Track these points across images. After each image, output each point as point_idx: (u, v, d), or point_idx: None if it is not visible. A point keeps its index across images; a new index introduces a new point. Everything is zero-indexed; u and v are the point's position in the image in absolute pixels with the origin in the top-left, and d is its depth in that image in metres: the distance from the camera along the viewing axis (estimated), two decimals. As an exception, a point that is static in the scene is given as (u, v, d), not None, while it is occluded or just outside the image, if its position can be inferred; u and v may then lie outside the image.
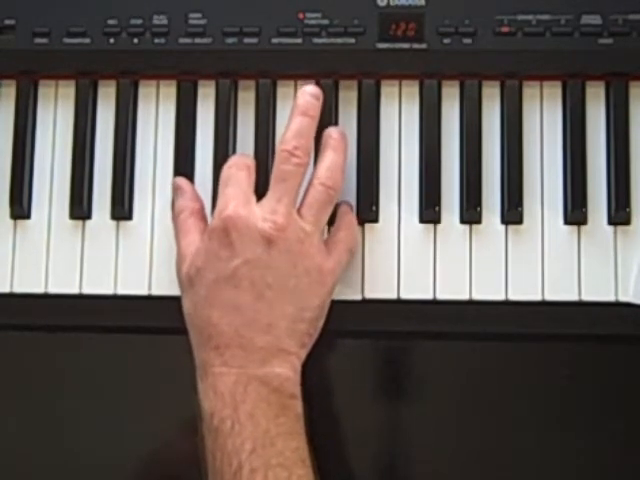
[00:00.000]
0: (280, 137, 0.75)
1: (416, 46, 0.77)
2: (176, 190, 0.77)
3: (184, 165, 0.78)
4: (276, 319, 0.70)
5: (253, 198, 0.73)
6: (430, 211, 0.77)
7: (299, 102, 0.75)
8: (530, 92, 0.78)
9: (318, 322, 0.73)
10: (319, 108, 0.76)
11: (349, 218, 0.76)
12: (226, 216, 0.71)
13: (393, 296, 0.76)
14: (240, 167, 0.74)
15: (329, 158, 0.74)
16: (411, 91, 0.79)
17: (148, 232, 0.78)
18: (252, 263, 0.70)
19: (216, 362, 0.70)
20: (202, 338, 0.71)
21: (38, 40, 0.79)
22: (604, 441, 0.77)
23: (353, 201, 0.77)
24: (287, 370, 0.70)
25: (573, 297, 0.75)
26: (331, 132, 0.76)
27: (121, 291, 0.77)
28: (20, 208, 0.78)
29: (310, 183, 0.74)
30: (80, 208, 0.78)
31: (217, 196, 0.74)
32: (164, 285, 0.77)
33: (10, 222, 0.79)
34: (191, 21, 0.78)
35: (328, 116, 0.78)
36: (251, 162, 0.75)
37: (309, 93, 0.75)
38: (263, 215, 0.71)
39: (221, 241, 0.71)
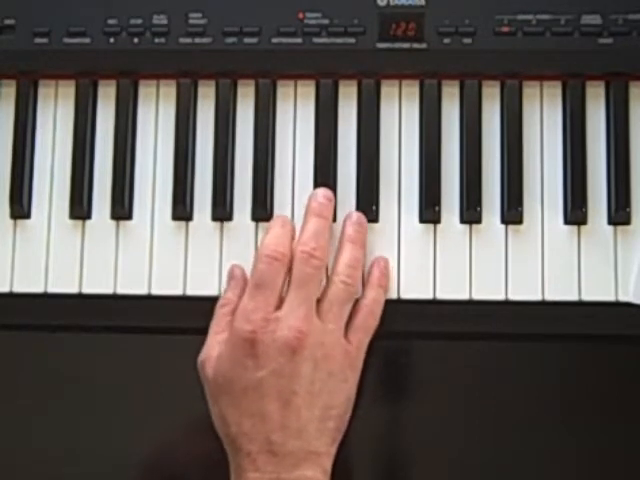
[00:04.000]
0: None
1: (416, 46, 0.77)
2: (229, 278, 0.76)
3: (184, 165, 0.78)
4: (305, 424, 0.71)
5: (280, 295, 0.73)
6: (430, 211, 0.77)
7: (312, 205, 0.75)
8: (530, 92, 0.78)
9: (346, 416, 0.73)
10: (332, 209, 0.76)
11: (372, 297, 0.75)
12: (252, 330, 0.71)
13: (393, 296, 0.76)
14: (274, 258, 0.73)
15: (348, 253, 0.74)
16: (411, 91, 0.79)
17: (148, 232, 0.78)
18: (277, 373, 0.70)
19: (249, 468, 0.70)
20: (235, 445, 0.71)
21: (38, 40, 0.79)
22: (604, 441, 0.77)
23: (353, 201, 0.77)
24: (317, 473, 0.71)
25: (573, 297, 0.75)
26: (352, 216, 0.76)
27: (121, 291, 0.77)
28: (20, 208, 0.78)
29: (330, 278, 0.74)
30: (80, 208, 0.78)
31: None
32: (164, 285, 0.77)
33: (10, 222, 0.79)
34: (191, 21, 0.78)
35: (328, 116, 0.78)
36: (287, 249, 0.74)
37: (321, 195, 0.76)
38: (287, 323, 0.71)
39: (246, 352, 0.71)
